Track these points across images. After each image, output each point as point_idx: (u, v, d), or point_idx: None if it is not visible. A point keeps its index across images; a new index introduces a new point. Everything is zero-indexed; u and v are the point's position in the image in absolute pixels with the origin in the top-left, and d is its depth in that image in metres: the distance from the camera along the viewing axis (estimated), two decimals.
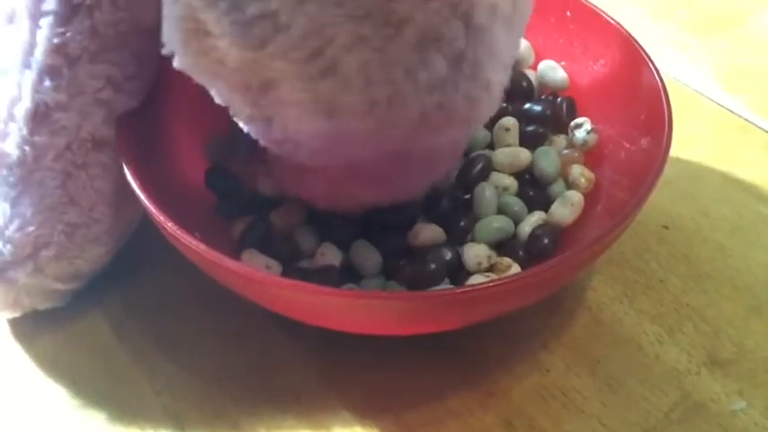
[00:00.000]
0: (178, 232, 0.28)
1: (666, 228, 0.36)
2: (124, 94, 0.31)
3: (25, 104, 0.29)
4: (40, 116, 0.29)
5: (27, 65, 0.29)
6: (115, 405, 0.30)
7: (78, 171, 0.30)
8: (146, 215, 0.30)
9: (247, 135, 0.36)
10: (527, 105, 0.37)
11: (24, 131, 0.29)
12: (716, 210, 0.37)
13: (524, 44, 0.38)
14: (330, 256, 0.31)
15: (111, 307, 0.34)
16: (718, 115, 0.42)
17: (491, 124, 0.36)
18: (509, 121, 0.35)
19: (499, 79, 0.27)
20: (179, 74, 0.27)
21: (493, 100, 0.27)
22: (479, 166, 0.34)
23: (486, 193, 0.33)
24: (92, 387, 0.31)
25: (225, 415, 0.30)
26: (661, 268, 0.35)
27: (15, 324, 0.33)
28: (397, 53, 0.24)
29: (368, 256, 0.31)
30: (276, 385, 0.31)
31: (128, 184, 0.30)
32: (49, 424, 0.30)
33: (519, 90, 0.37)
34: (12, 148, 0.29)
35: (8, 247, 0.30)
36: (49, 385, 0.31)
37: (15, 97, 0.29)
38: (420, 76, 0.24)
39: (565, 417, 0.30)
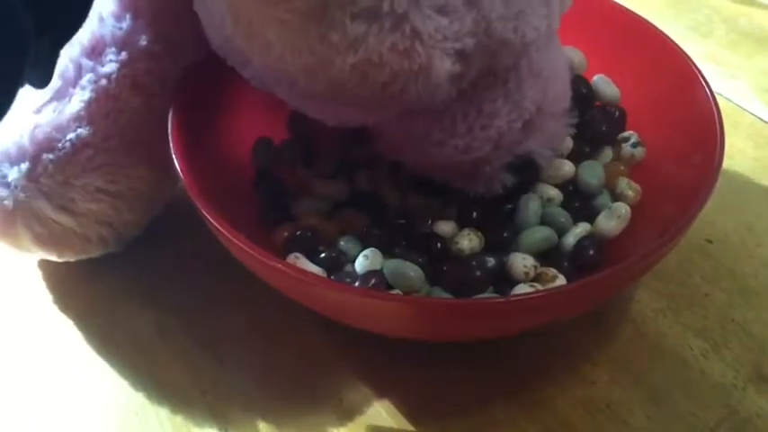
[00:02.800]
0: (230, 232, 0.28)
1: (710, 242, 0.36)
2: (176, 61, 0.32)
3: (87, 32, 0.32)
4: (96, 48, 0.32)
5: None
6: (161, 404, 0.30)
7: (107, 99, 0.31)
8: (197, 214, 0.30)
9: (294, 141, 0.37)
10: (586, 117, 0.36)
11: (75, 52, 0.31)
12: (760, 224, 0.37)
13: (578, 54, 0.38)
14: (374, 259, 0.31)
15: (154, 305, 0.34)
16: (759, 129, 0.42)
17: None
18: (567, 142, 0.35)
19: (434, 27, 0.26)
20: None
21: (430, 51, 0.26)
22: (524, 173, 0.33)
23: (531, 204, 0.33)
24: (137, 386, 0.31)
25: (268, 415, 0.30)
26: (705, 282, 0.34)
27: (62, 318, 0.33)
28: (299, 23, 0.25)
29: (406, 273, 0.31)
30: (319, 386, 0.31)
31: (161, 154, 0.30)
32: (97, 419, 0.30)
33: (578, 96, 0.36)
34: (62, 62, 0.31)
35: (20, 139, 0.30)
36: (95, 381, 0.31)
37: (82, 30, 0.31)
38: (331, 38, 0.25)
39: (609, 429, 0.30)
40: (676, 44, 0.35)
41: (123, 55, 0.32)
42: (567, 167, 0.34)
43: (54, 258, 0.33)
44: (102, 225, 0.32)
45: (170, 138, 0.31)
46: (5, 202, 0.30)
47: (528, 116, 0.31)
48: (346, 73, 0.26)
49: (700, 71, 0.34)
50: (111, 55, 0.32)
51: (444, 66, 0.26)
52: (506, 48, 0.28)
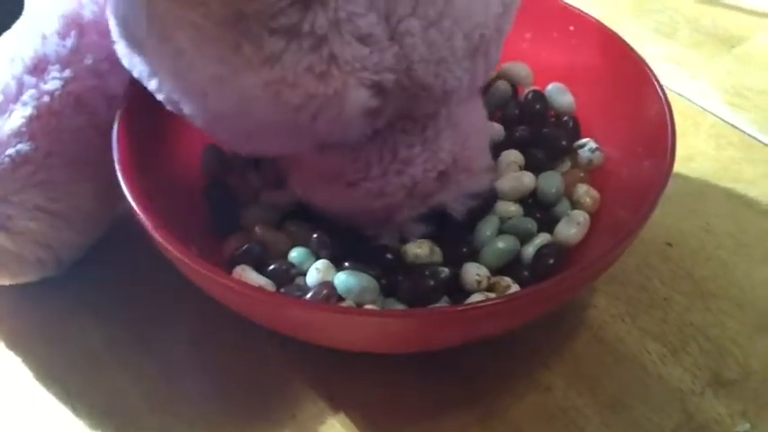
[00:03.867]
0: (173, 247, 0.27)
1: (670, 245, 0.36)
2: (122, 78, 0.32)
3: (30, 50, 0.31)
4: (38, 66, 0.31)
5: (42, 17, 0.32)
6: (109, 421, 0.30)
7: (50, 116, 0.31)
8: (139, 226, 0.29)
9: None
10: (545, 131, 0.36)
11: (18, 70, 0.31)
12: (720, 226, 0.36)
13: (524, 68, 0.38)
14: (326, 272, 0.31)
15: (104, 318, 0.33)
16: (720, 130, 0.42)
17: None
18: (517, 156, 0.35)
19: (352, 54, 0.25)
20: None
21: (346, 77, 0.25)
22: (482, 201, 0.33)
23: (488, 230, 0.32)
24: (85, 403, 0.31)
25: None
26: (664, 286, 0.34)
27: (7, 331, 0.33)
28: (213, 30, 0.24)
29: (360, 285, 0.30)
30: (272, 401, 0.30)
31: (105, 172, 0.30)
32: None
33: (531, 111, 0.37)
34: (3, 79, 0.31)
35: None
36: (40, 398, 0.31)
37: (26, 41, 0.31)
38: (244, 50, 0.24)
39: None
40: (629, 45, 0.35)
41: (67, 72, 0.31)
42: (528, 180, 0.34)
43: None
44: (40, 246, 0.31)
45: (114, 149, 0.30)
46: None
47: (444, 167, 0.30)
48: (258, 90, 0.25)
49: (653, 72, 0.34)
50: (54, 72, 0.31)
51: (360, 96, 0.26)
52: (426, 92, 0.28)
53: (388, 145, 0.30)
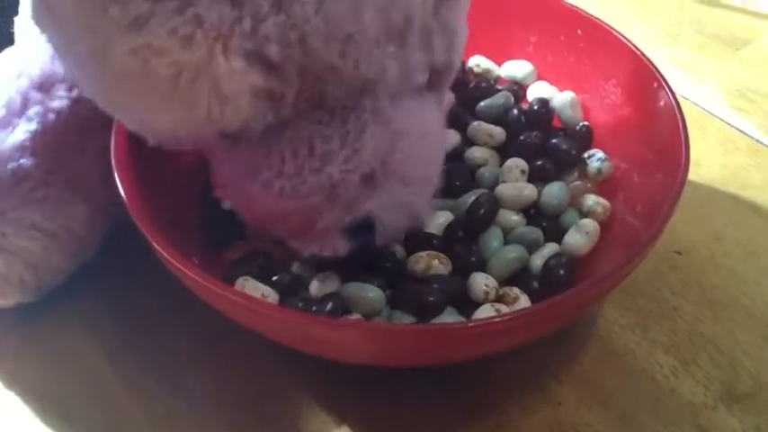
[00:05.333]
0: (175, 259, 0.26)
1: (679, 253, 0.35)
2: None
3: (37, 67, 0.31)
4: (45, 83, 0.31)
5: None
6: None
7: (55, 135, 0.31)
8: (145, 242, 0.28)
9: None
10: (553, 141, 0.35)
11: (24, 85, 0.31)
12: (728, 234, 0.36)
13: (523, 63, 0.37)
14: (329, 283, 0.30)
15: (104, 332, 0.32)
16: (727, 135, 0.41)
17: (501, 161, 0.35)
18: (521, 162, 0.34)
19: (218, 15, 0.23)
20: None
21: (212, 43, 0.23)
22: (483, 211, 0.32)
23: (494, 240, 0.32)
24: (86, 424, 0.30)
25: None
26: (674, 296, 0.33)
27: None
28: None
29: (366, 296, 0.29)
30: (276, 416, 0.30)
31: (102, 192, 0.30)
32: None
33: (538, 116, 0.36)
34: (7, 93, 0.31)
35: None
36: (37, 414, 0.30)
37: (33, 59, 0.32)
38: (111, 12, 0.23)
39: None
40: (640, 50, 0.34)
41: (75, 92, 0.31)
42: (528, 192, 0.33)
43: None
44: (26, 266, 0.30)
45: (113, 157, 0.29)
46: None
47: (368, 170, 0.27)
48: (126, 58, 0.24)
49: (664, 78, 0.33)
50: (61, 91, 0.31)
51: (232, 65, 0.24)
52: (335, 75, 0.25)
53: (302, 138, 0.27)
